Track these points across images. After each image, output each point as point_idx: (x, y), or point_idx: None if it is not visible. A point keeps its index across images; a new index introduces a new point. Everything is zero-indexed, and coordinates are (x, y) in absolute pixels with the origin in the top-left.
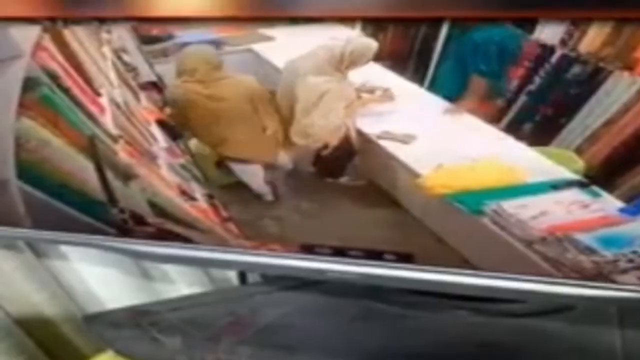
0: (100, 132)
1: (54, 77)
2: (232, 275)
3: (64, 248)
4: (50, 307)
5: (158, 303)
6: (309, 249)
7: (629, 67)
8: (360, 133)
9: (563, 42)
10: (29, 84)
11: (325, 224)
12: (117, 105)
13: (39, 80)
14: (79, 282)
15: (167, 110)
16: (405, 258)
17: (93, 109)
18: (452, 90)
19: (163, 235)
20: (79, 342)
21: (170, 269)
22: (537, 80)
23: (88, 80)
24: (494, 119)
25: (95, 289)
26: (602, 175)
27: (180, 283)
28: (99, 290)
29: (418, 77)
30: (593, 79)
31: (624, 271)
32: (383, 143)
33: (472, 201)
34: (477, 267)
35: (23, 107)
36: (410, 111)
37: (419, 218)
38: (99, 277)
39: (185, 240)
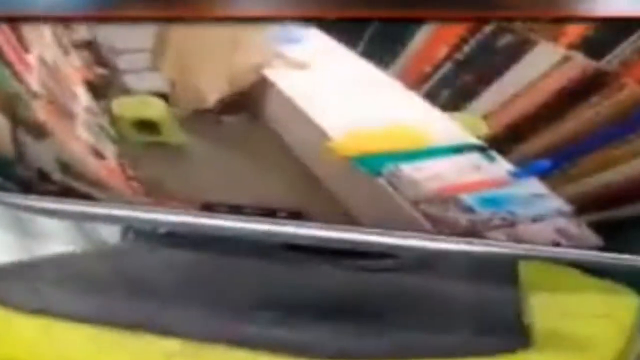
0: (23, 90)
1: None
2: (110, 234)
3: None
4: None
5: (40, 259)
6: (208, 207)
7: (555, 38)
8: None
9: None
10: None
11: (227, 183)
12: (45, 64)
13: None
14: None
15: (97, 69)
16: (295, 216)
17: (19, 66)
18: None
19: (65, 193)
20: None
21: (48, 225)
22: (466, 48)
23: (19, 37)
24: (416, 85)
25: None
26: (501, 141)
27: (58, 240)
28: None
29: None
30: (519, 49)
31: (495, 228)
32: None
33: (375, 163)
34: (363, 224)
35: None
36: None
37: (318, 176)
38: None
39: (86, 197)
